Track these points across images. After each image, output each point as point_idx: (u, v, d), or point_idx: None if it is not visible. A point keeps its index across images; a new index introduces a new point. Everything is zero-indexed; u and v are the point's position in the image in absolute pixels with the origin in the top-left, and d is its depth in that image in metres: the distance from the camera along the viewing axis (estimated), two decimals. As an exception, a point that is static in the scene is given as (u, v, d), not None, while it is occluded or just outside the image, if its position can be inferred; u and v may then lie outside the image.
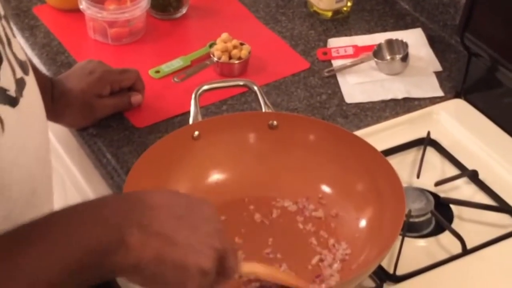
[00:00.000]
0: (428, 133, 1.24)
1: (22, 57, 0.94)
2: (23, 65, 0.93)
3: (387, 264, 1.04)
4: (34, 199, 0.95)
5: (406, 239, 1.06)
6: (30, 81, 0.94)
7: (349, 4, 1.53)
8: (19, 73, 0.91)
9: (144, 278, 0.78)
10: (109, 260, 0.76)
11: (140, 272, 0.77)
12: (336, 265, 1.02)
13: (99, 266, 0.76)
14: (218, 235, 0.81)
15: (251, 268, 0.93)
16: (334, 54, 1.43)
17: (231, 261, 0.82)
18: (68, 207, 0.80)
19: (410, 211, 1.09)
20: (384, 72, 1.38)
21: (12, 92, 0.88)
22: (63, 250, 0.76)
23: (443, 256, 1.06)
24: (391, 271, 1.03)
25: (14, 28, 1.49)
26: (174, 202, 0.81)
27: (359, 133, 1.22)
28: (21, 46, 1.43)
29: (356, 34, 1.48)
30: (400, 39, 1.41)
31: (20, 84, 0.90)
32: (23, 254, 0.75)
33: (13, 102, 0.87)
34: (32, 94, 0.94)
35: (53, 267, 0.75)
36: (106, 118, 1.28)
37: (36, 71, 1.26)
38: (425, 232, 1.11)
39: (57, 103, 1.23)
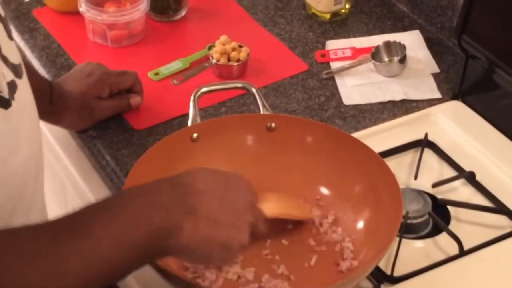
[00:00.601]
0: (426, 134, 1.25)
1: (15, 60, 0.94)
2: (16, 68, 0.94)
3: (384, 265, 1.05)
4: (24, 198, 0.96)
5: (403, 240, 1.07)
6: (23, 84, 0.95)
7: (347, 6, 1.53)
8: (10, 76, 0.91)
9: (193, 257, 0.88)
10: (166, 243, 0.83)
11: (190, 252, 0.85)
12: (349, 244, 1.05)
13: (159, 247, 0.83)
14: (251, 208, 0.91)
15: (272, 213, 1.00)
16: (332, 56, 1.43)
17: (261, 227, 0.92)
18: (127, 191, 0.89)
19: (407, 212, 1.10)
20: (382, 74, 1.39)
21: (5, 94, 0.88)
22: (126, 233, 0.81)
23: (440, 257, 1.07)
24: (388, 272, 1.04)
25: (14, 31, 1.50)
26: (215, 185, 0.89)
27: (357, 134, 1.22)
28: (19, 49, 1.45)
29: (354, 36, 1.49)
30: (398, 41, 1.41)
31: (12, 87, 0.91)
32: (86, 234, 0.80)
33: (4, 104, 0.88)
34: (24, 98, 0.95)
35: (119, 248, 0.81)
36: (105, 120, 1.28)
37: (34, 74, 1.27)
38: (422, 233, 1.11)
39: (55, 105, 1.24)
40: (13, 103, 0.90)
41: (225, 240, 0.87)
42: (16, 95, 0.92)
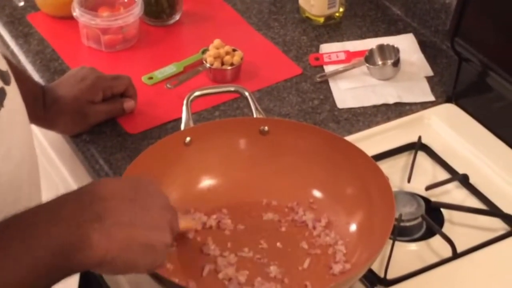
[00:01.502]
0: (419, 137, 1.25)
1: (2, 67, 0.94)
2: (3, 75, 0.93)
3: (377, 268, 1.05)
4: (19, 207, 0.95)
5: (397, 243, 1.07)
6: (12, 91, 0.95)
7: (341, 9, 1.53)
8: None
9: (115, 268, 0.80)
10: (75, 258, 0.77)
11: (110, 263, 0.79)
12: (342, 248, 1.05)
13: (66, 265, 0.77)
14: (167, 207, 0.87)
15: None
16: (326, 59, 1.43)
17: (176, 227, 0.90)
18: (27, 210, 0.80)
19: (401, 215, 1.10)
20: (376, 77, 1.39)
21: None
22: (29, 252, 0.76)
23: (434, 260, 1.07)
24: (381, 275, 1.03)
25: (8, 36, 1.50)
26: (122, 188, 0.84)
27: (350, 138, 1.22)
28: (13, 54, 1.45)
29: (348, 39, 1.49)
30: (391, 44, 1.41)
31: (0, 94, 0.91)
32: None
33: None
34: (13, 104, 0.95)
35: (20, 269, 0.76)
36: (99, 125, 1.28)
37: (27, 79, 1.27)
38: (416, 236, 1.11)
39: (49, 110, 1.24)
40: (2, 110, 0.90)
41: (145, 241, 0.81)
42: (5, 102, 0.91)
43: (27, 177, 0.98)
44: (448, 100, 1.34)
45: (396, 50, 1.40)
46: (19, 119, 0.98)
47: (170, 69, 1.41)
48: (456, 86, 1.32)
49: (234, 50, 1.40)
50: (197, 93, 1.18)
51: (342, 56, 1.44)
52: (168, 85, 1.37)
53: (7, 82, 0.94)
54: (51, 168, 1.53)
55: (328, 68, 1.42)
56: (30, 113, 1.09)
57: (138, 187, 0.85)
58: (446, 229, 1.11)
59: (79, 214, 0.78)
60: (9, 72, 0.97)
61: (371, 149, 1.15)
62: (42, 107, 1.24)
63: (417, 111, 1.32)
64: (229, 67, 1.38)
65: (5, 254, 0.76)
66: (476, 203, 1.16)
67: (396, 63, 1.39)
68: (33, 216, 0.79)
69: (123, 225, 0.80)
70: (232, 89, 1.23)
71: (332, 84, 1.38)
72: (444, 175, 1.21)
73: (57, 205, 0.80)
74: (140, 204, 0.83)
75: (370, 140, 1.25)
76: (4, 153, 0.91)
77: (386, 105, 1.33)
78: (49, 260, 0.76)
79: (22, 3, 1.57)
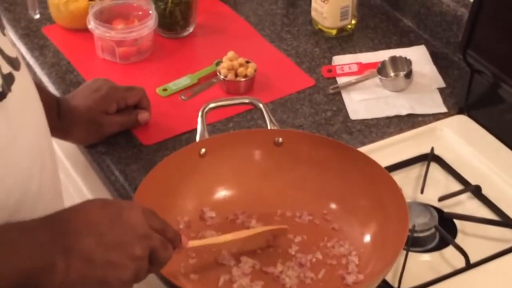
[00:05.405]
0: (432, 149, 1.26)
1: (11, 53, 0.93)
2: (12, 61, 0.93)
3: (391, 278, 1.05)
4: (30, 192, 0.94)
5: (410, 253, 1.07)
6: (21, 76, 0.94)
7: (353, 22, 1.55)
8: (7, 68, 0.91)
9: None
10: (40, 281, 0.82)
11: None
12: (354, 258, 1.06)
13: (33, 285, 0.82)
14: (139, 242, 0.87)
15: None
16: (338, 71, 1.44)
17: (161, 254, 0.89)
18: (3, 225, 0.84)
19: (414, 226, 1.11)
20: (388, 89, 1.40)
21: None
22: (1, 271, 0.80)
23: (447, 270, 1.08)
24: (395, 285, 1.04)
25: (24, 48, 1.51)
26: (98, 219, 0.86)
27: (363, 149, 1.23)
28: (28, 66, 1.45)
29: (361, 51, 1.50)
30: (403, 56, 1.42)
31: (9, 79, 0.90)
32: None
33: None
34: (23, 89, 0.93)
35: None
36: (114, 136, 1.30)
37: (42, 90, 1.27)
38: (429, 246, 1.12)
39: (63, 121, 1.25)
40: (9, 94, 0.89)
41: (100, 278, 0.84)
42: (14, 87, 0.90)
43: (39, 163, 0.95)
44: (460, 112, 1.34)
45: (408, 62, 1.41)
46: (30, 105, 0.96)
47: (184, 81, 1.42)
48: (468, 98, 1.33)
49: (247, 62, 1.41)
50: (212, 105, 1.19)
51: (355, 68, 1.45)
52: (182, 97, 1.38)
53: (16, 68, 0.93)
54: (67, 179, 1.54)
55: (341, 80, 1.43)
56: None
57: (116, 219, 0.87)
58: (459, 239, 1.12)
59: (52, 242, 0.83)
60: (19, 59, 0.95)
61: (384, 160, 1.16)
62: (56, 117, 1.24)
63: (430, 122, 1.33)
64: (242, 79, 1.39)
65: None
66: (488, 214, 1.17)
67: (409, 75, 1.40)
68: (7, 233, 0.83)
69: (84, 259, 0.83)
70: (247, 101, 1.24)
71: (345, 96, 1.39)
72: (456, 186, 1.21)
73: (34, 227, 0.84)
74: (108, 239, 0.85)
75: (383, 151, 1.25)
76: (12, 137, 0.89)
77: (398, 117, 1.34)
78: (20, 280, 0.81)
79: (37, 16, 1.58)
